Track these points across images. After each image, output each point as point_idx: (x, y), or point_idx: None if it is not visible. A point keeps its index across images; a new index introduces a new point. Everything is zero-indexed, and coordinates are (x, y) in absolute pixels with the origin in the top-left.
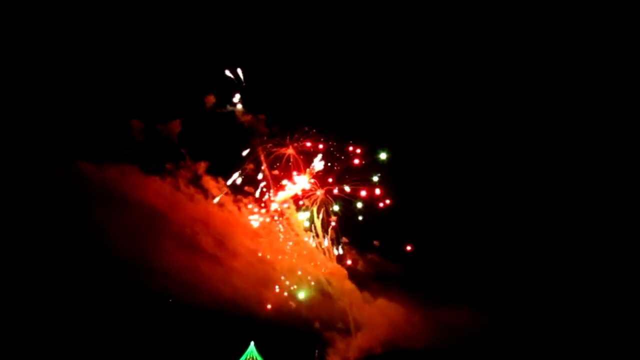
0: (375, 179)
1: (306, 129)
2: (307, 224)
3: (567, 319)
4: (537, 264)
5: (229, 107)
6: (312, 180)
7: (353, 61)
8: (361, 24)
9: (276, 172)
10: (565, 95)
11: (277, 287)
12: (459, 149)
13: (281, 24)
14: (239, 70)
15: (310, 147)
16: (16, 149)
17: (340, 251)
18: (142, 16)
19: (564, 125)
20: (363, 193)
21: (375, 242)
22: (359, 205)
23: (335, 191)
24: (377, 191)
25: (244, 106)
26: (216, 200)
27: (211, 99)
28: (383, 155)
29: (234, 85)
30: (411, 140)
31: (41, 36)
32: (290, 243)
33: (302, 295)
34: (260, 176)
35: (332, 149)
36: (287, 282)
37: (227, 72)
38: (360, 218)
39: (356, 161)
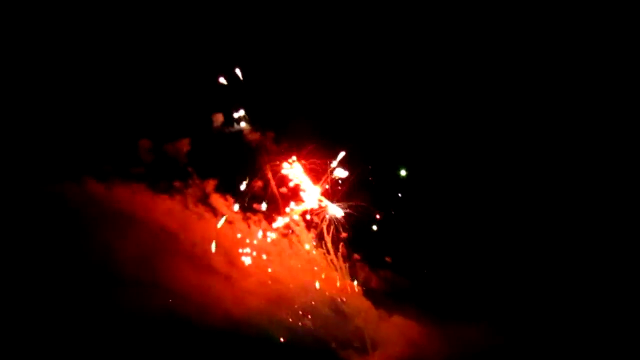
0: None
1: (314, 145)
2: (317, 240)
3: (592, 335)
4: (560, 278)
5: (236, 126)
6: (321, 198)
7: (362, 73)
8: (373, 31)
9: (284, 189)
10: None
11: (290, 306)
12: (476, 163)
13: (288, 35)
14: (237, 71)
15: (319, 164)
16: (22, 166)
17: (357, 282)
18: (148, 34)
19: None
20: (377, 217)
21: (388, 259)
22: (374, 227)
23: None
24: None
25: (249, 122)
26: (224, 218)
27: (219, 117)
28: (403, 172)
29: (237, 99)
30: (425, 156)
31: (50, 52)
32: (301, 261)
33: (315, 313)
34: (268, 194)
35: (341, 165)
36: (301, 301)
37: (223, 80)
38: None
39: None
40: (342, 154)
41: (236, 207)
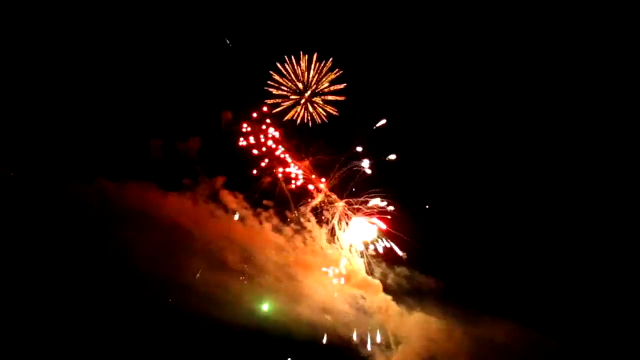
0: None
1: (322, 142)
2: (330, 236)
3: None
4: (588, 273)
5: (245, 127)
6: (330, 194)
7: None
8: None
9: (294, 185)
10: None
11: (310, 303)
12: (486, 155)
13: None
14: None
15: (327, 160)
16: (36, 168)
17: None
18: (158, 35)
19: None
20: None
21: (404, 254)
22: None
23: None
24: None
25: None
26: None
27: (228, 115)
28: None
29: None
30: (434, 147)
31: (62, 54)
32: (316, 257)
33: (336, 310)
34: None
35: (350, 161)
36: (321, 298)
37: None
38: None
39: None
40: (382, 122)
41: (246, 204)
